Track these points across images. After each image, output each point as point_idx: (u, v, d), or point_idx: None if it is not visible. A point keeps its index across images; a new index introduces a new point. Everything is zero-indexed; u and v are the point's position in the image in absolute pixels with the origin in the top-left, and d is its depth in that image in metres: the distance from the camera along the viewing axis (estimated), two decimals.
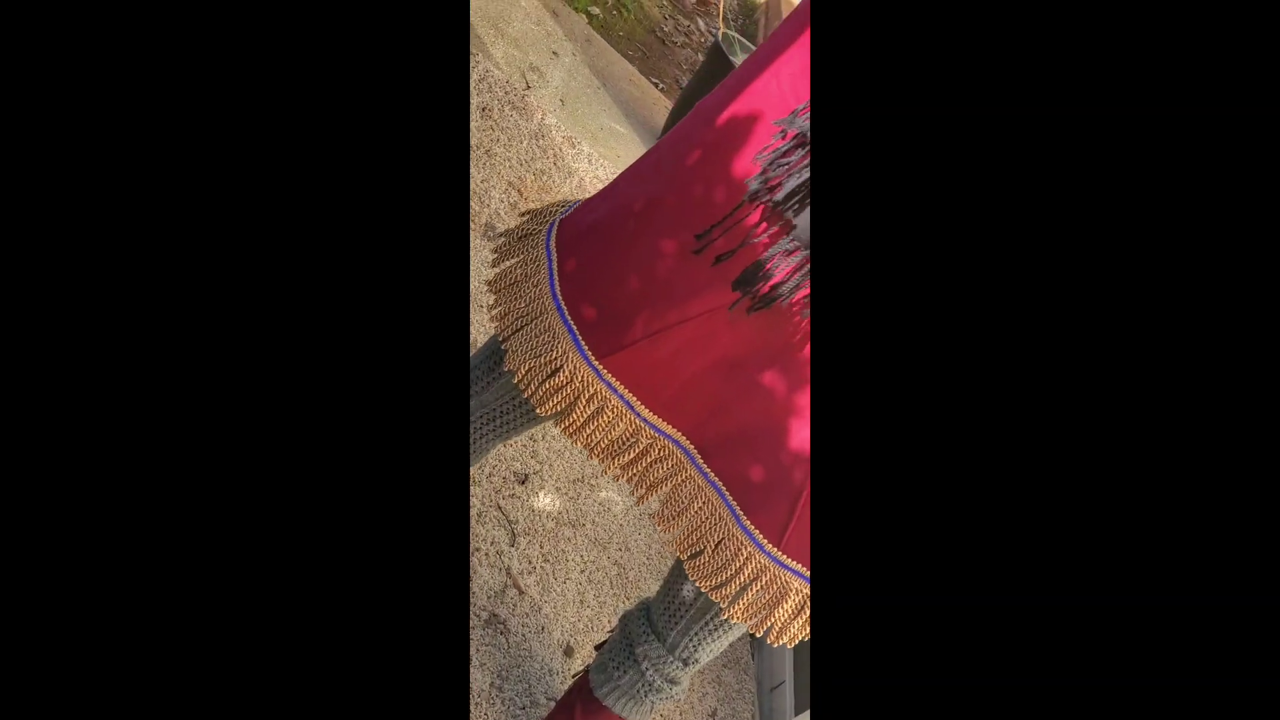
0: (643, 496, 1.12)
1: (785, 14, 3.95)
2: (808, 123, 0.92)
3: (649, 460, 1.10)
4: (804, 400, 1.02)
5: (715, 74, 2.73)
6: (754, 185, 0.96)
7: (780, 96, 0.99)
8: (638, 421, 1.08)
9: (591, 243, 1.08)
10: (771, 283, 0.98)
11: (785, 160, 0.94)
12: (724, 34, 2.85)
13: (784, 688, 1.92)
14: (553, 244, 1.10)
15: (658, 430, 1.08)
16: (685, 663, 1.29)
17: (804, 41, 1.02)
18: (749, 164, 0.98)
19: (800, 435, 1.04)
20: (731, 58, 2.73)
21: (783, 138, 0.95)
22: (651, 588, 1.94)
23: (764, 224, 0.98)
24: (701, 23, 4.03)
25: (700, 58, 3.60)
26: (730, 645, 1.70)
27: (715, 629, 1.25)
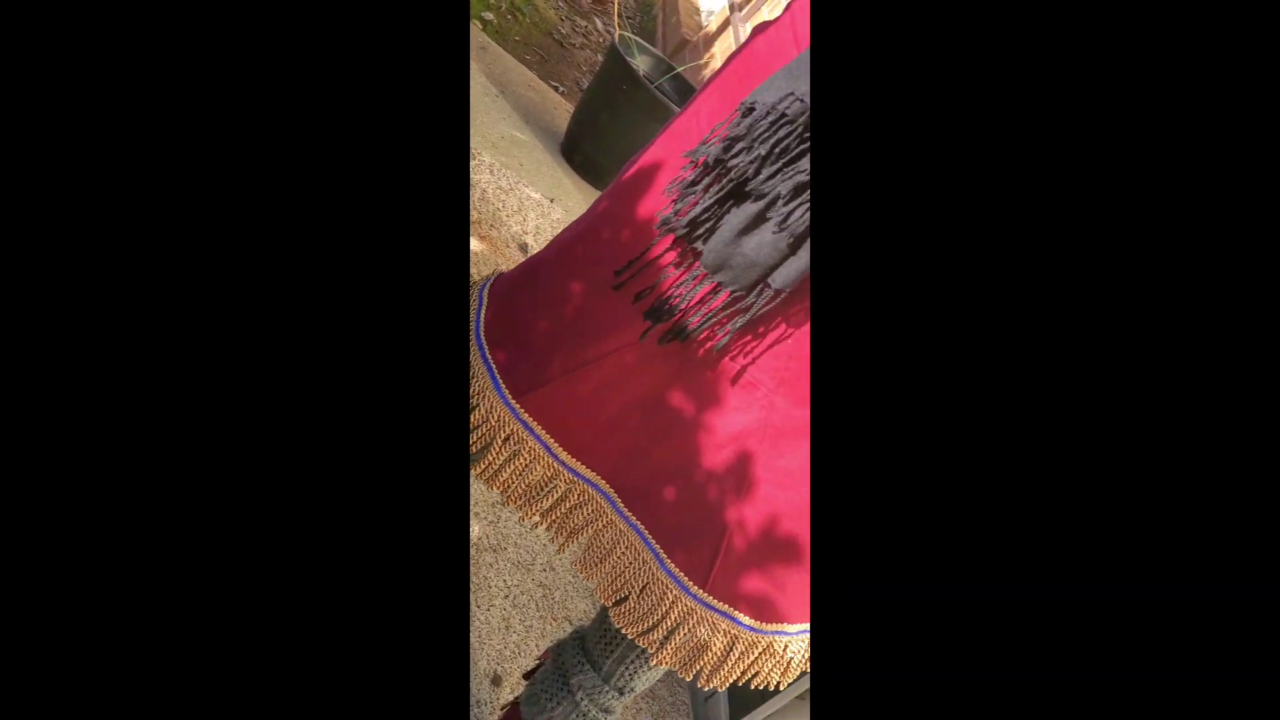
0: (563, 544, 1.10)
1: (682, 11, 3.94)
2: (713, 148, 0.91)
3: (568, 506, 1.08)
4: (714, 419, 1.01)
5: (615, 76, 2.71)
6: (665, 216, 0.95)
7: (699, 132, 0.98)
8: (555, 465, 1.06)
9: (508, 291, 1.08)
10: (682, 313, 0.97)
11: (693, 189, 0.93)
12: (620, 36, 2.83)
13: (718, 698, 1.91)
14: (485, 292, 1.10)
15: (576, 474, 1.06)
16: (620, 691, 1.27)
17: (725, 75, 1.02)
18: (659, 199, 0.97)
19: (711, 453, 1.02)
20: (629, 59, 2.71)
21: (692, 167, 0.94)
22: (578, 607, 1.91)
23: (673, 253, 0.97)
24: (599, 23, 4.00)
25: (600, 58, 3.57)
26: None
27: (651, 657, 1.23)
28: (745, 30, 3.32)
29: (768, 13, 3.21)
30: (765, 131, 0.88)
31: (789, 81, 0.89)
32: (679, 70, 2.92)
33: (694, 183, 0.93)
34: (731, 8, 3.48)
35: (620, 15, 3.77)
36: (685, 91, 2.92)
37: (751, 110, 0.89)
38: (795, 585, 1.09)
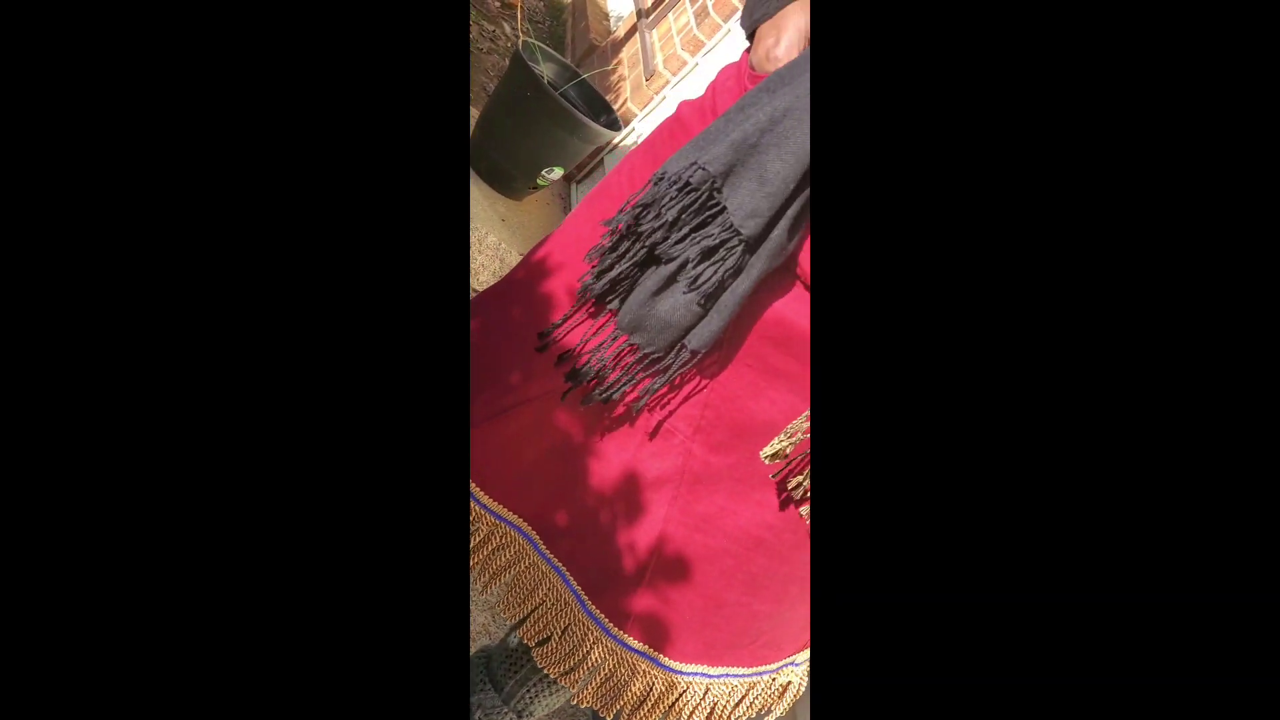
0: (486, 584, 1.13)
1: (591, 17, 3.93)
2: (625, 216, 0.96)
3: (490, 548, 1.12)
4: (633, 465, 1.05)
5: (518, 83, 2.68)
6: (586, 281, 1.00)
7: (623, 192, 1.05)
8: (477, 509, 1.12)
9: None
10: (599, 375, 1.01)
11: (610, 255, 0.98)
12: (524, 42, 2.80)
13: None
14: None
15: (499, 517, 1.11)
16: (519, 715, 1.28)
17: (652, 139, 1.09)
18: (581, 265, 1.02)
19: (630, 498, 1.06)
20: (533, 65, 2.68)
21: (610, 234, 0.99)
22: (476, 620, 1.88)
23: (592, 315, 1.03)
24: (507, 27, 3.96)
25: (507, 63, 3.53)
26: None
27: (553, 683, 1.25)
28: (651, 36, 3.32)
29: (673, 19, 3.22)
30: (672, 199, 0.93)
31: (694, 151, 0.93)
32: (584, 76, 2.91)
33: (611, 249, 0.98)
34: (639, 14, 3.48)
35: (527, 20, 3.75)
36: (591, 98, 2.91)
37: (662, 179, 0.94)
38: (714, 628, 1.13)
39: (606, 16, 4.09)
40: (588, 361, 1.01)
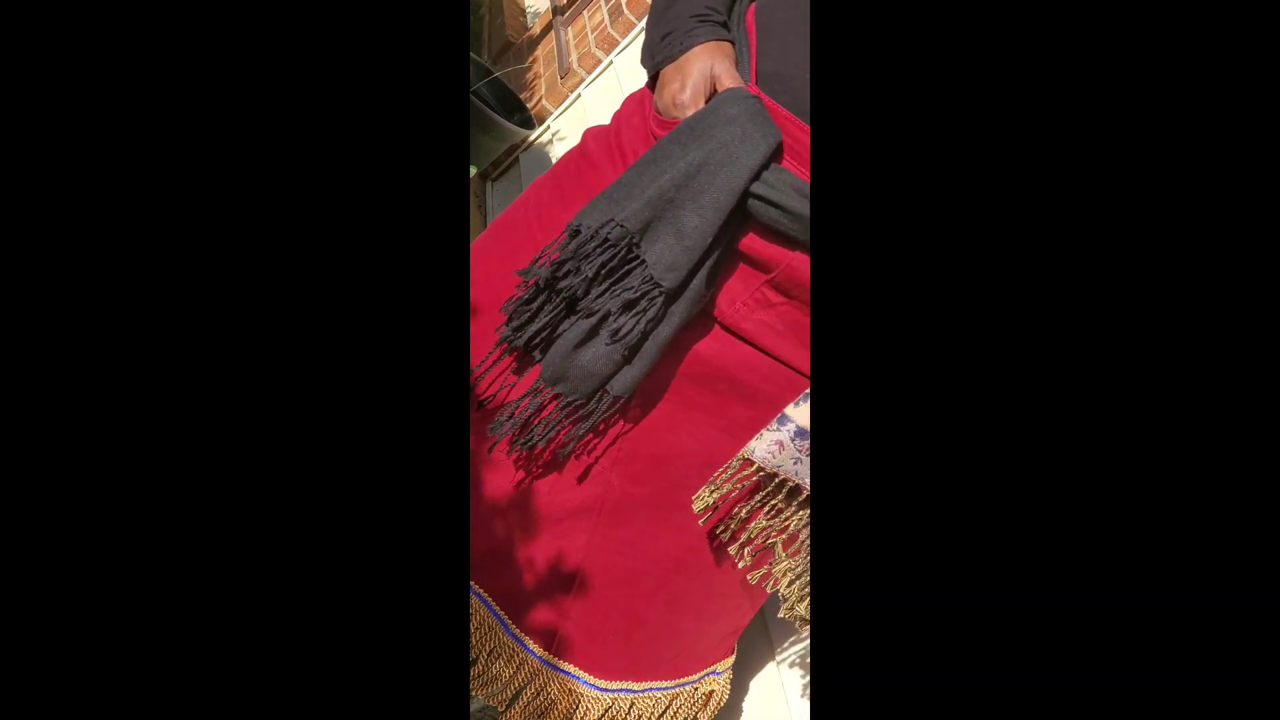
0: None
1: (507, 13, 3.90)
2: (543, 271, 0.97)
3: None
4: (553, 495, 1.08)
5: None
6: (504, 334, 1.01)
7: (532, 233, 1.06)
8: None
9: None
10: (526, 425, 1.03)
11: (527, 307, 0.99)
12: None
13: None
14: None
15: None
16: None
17: (558, 170, 1.11)
18: (496, 316, 1.03)
19: (549, 525, 1.09)
20: None
21: (524, 287, 1.00)
22: None
23: (513, 366, 1.04)
24: None
25: None
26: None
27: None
28: (566, 34, 3.31)
29: (588, 17, 3.21)
30: (591, 255, 0.94)
31: (610, 205, 0.95)
32: (497, 75, 2.88)
33: (528, 301, 0.99)
34: (554, 11, 3.46)
35: None
36: (504, 96, 2.88)
37: (577, 233, 0.96)
38: (638, 645, 1.17)
39: (524, 12, 4.06)
40: (510, 411, 1.03)
